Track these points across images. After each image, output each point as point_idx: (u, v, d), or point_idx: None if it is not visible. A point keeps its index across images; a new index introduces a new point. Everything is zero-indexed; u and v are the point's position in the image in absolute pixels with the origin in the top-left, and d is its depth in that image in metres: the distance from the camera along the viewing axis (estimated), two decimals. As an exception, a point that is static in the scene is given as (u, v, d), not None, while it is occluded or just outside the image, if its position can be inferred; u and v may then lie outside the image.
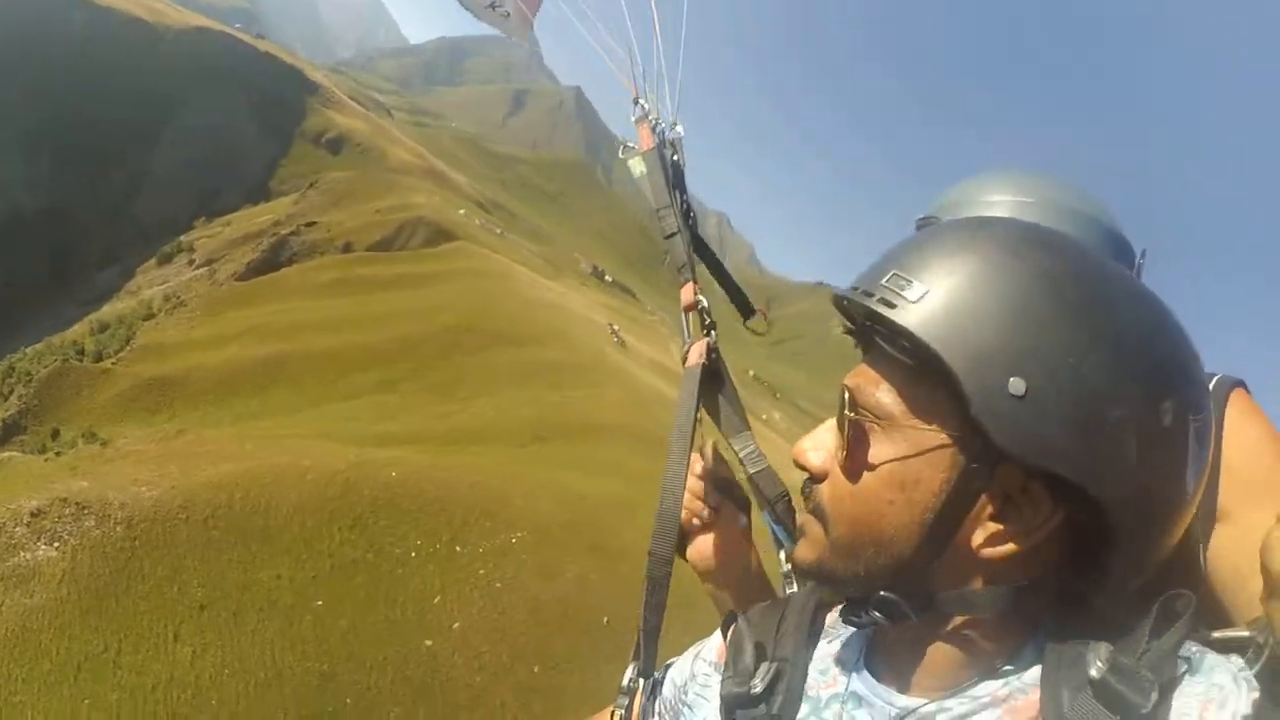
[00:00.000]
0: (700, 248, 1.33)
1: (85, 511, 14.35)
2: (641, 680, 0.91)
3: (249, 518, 16.74)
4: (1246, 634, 0.66)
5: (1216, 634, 0.67)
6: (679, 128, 1.34)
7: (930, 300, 0.63)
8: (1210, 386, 0.96)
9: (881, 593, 0.68)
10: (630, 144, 1.33)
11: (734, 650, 0.82)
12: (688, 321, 1.26)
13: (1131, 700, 0.57)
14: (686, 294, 1.25)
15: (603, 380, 18.77)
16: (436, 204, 61.53)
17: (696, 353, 1.13)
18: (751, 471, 1.17)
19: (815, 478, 0.72)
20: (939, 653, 0.69)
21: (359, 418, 27.03)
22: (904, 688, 0.71)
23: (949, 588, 0.67)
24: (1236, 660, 0.62)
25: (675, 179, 1.30)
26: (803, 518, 0.74)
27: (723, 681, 0.81)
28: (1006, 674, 0.67)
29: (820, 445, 0.71)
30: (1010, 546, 0.64)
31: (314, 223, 56.39)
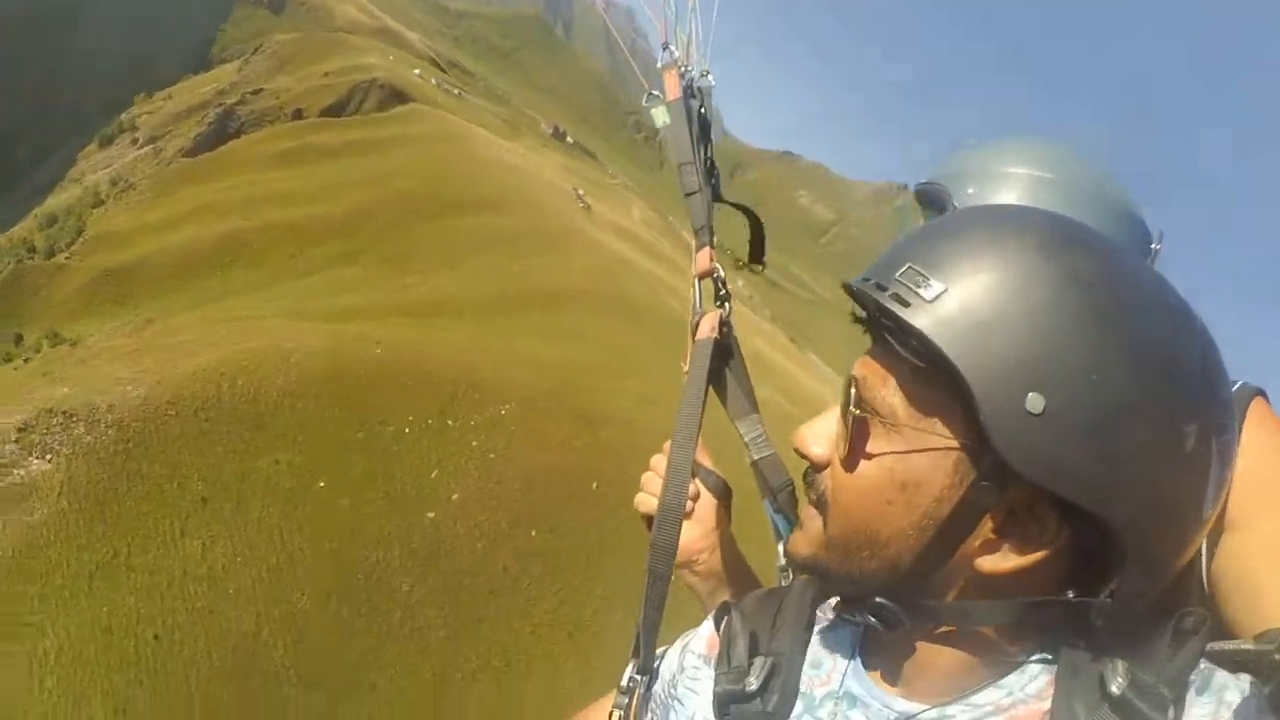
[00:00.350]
0: (719, 201, 1.27)
1: (73, 419, 14.29)
2: (640, 677, 0.88)
3: (239, 406, 16.78)
4: (1253, 648, 0.65)
5: (1227, 646, 0.66)
6: (710, 77, 1.27)
7: (948, 301, 0.58)
8: (1235, 387, 0.94)
9: (876, 599, 0.65)
10: (655, 91, 1.25)
11: (727, 643, 0.80)
12: (699, 290, 1.17)
13: (1151, 718, 0.56)
14: (702, 260, 1.17)
15: (567, 247, 18.57)
16: (389, 65, 57.64)
17: (709, 325, 1.06)
18: (756, 458, 1.13)
19: (816, 467, 0.70)
20: (939, 657, 0.67)
21: (322, 293, 26.51)
22: (901, 690, 0.69)
23: (946, 598, 0.64)
24: (1245, 678, 0.61)
25: (700, 133, 1.22)
26: (804, 510, 0.72)
27: (716, 677, 0.78)
28: (1010, 684, 0.64)
29: (823, 434, 0.68)
30: (1012, 562, 0.60)
31: (260, 90, 53.21)
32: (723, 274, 1.15)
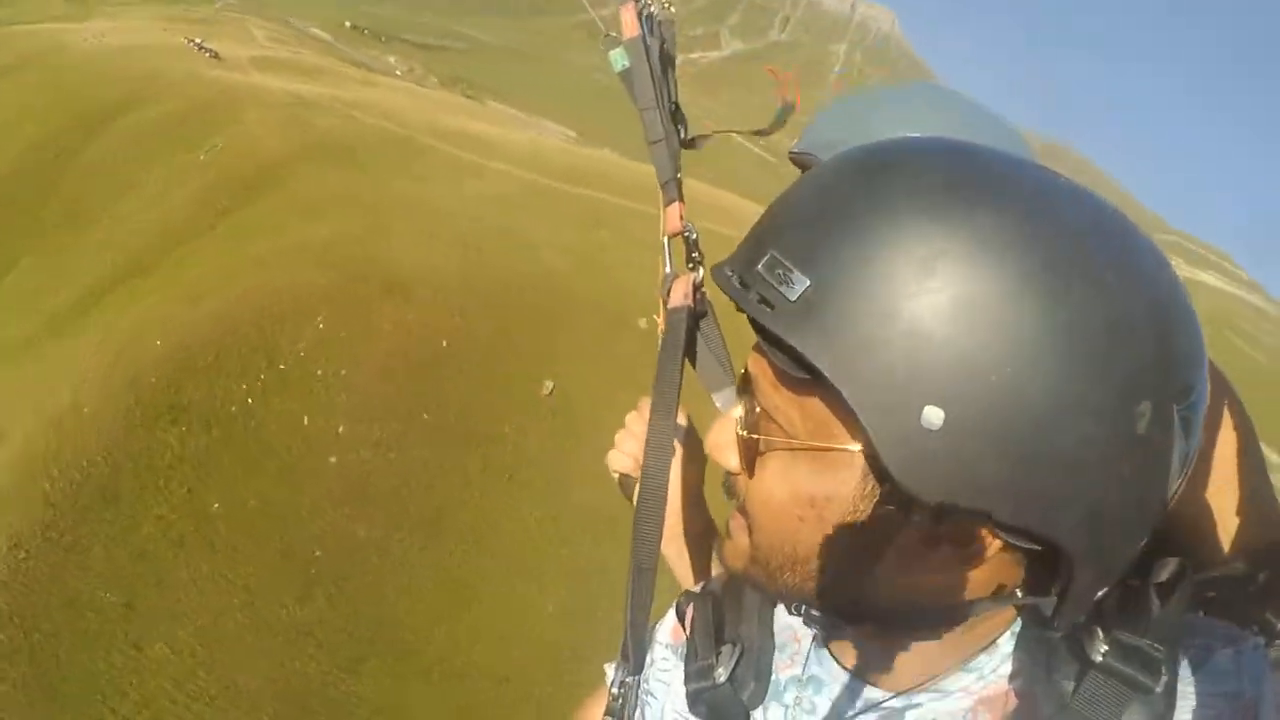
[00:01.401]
0: (692, 145, 1.15)
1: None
2: (632, 680, 0.78)
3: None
4: (1242, 569, 0.61)
5: (1210, 574, 0.62)
6: (671, 8, 1.15)
7: (815, 300, 0.49)
8: None
9: (812, 611, 0.61)
10: (612, 33, 1.12)
11: (694, 631, 0.77)
12: (669, 250, 1.08)
13: (1141, 680, 0.51)
14: (671, 217, 1.07)
15: (236, 114, 15.58)
16: None
17: (680, 291, 0.92)
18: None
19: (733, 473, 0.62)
20: (902, 645, 0.62)
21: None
22: (867, 676, 0.65)
23: (884, 606, 0.57)
24: (1239, 633, 0.56)
25: (663, 72, 1.11)
26: (732, 519, 0.64)
27: (686, 670, 0.76)
28: (981, 665, 0.60)
29: (729, 442, 0.61)
30: (942, 576, 0.54)
31: None
32: (695, 234, 1.06)
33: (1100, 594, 0.54)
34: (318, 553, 7.09)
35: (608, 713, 0.76)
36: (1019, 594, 0.55)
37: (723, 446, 0.61)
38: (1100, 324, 0.46)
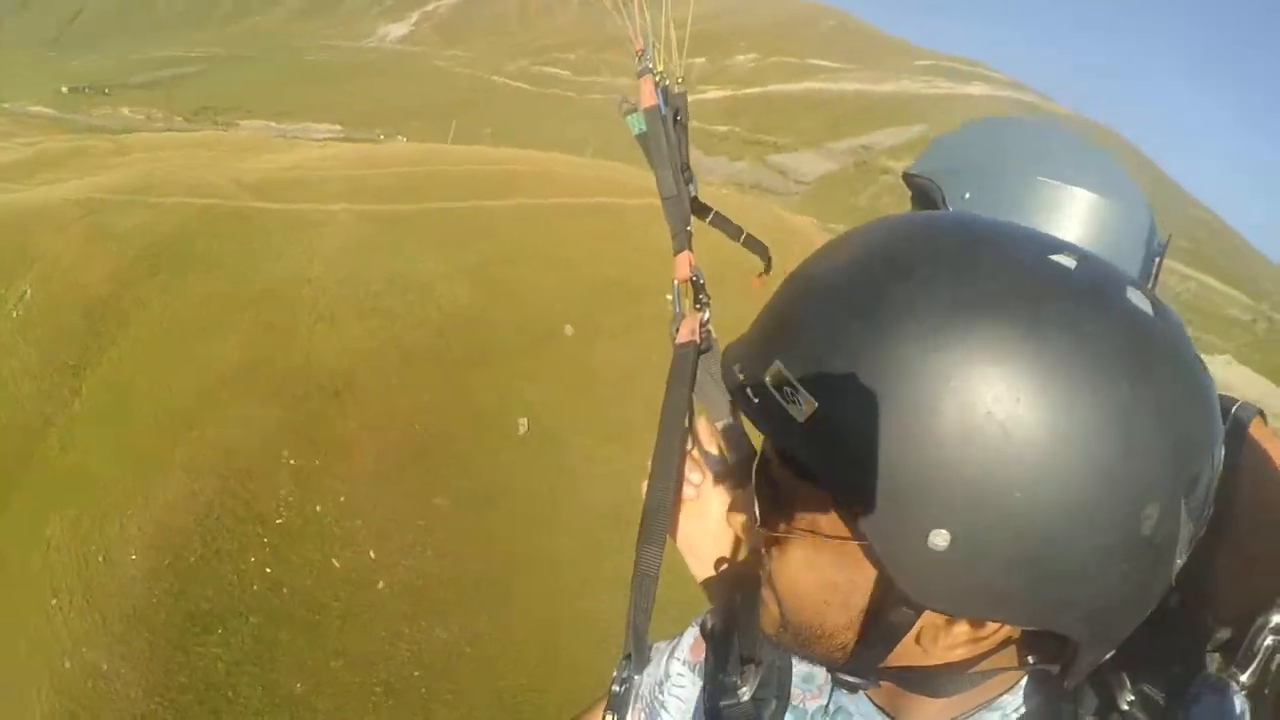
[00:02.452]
0: (700, 209, 1.26)
1: None
2: (637, 678, 0.80)
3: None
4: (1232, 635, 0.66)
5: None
6: (683, 84, 1.24)
7: (822, 424, 0.50)
8: (1229, 420, 0.90)
9: (841, 674, 0.64)
10: (629, 99, 1.23)
11: (715, 651, 0.79)
12: (678, 294, 1.16)
13: None
14: (681, 265, 1.17)
15: (27, 250, 13.34)
16: None
17: (688, 329, 1.03)
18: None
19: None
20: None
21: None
22: (895, 714, 0.68)
23: (909, 664, 0.60)
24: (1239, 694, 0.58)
25: (677, 139, 1.21)
26: (764, 588, 0.66)
27: (707, 688, 0.77)
28: (1004, 705, 0.62)
29: (747, 519, 0.64)
30: (958, 653, 0.57)
31: None
32: (703, 278, 1.16)
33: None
34: (416, 673, 6.82)
35: (609, 708, 0.77)
36: (1030, 660, 0.58)
37: (743, 524, 0.64)
38: (1112, 439, 0.46)
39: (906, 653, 0.58)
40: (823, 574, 0.58)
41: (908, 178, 1.16)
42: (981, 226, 0.55)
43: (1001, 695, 0.62)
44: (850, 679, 0.64)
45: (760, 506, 0.60)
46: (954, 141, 1.16)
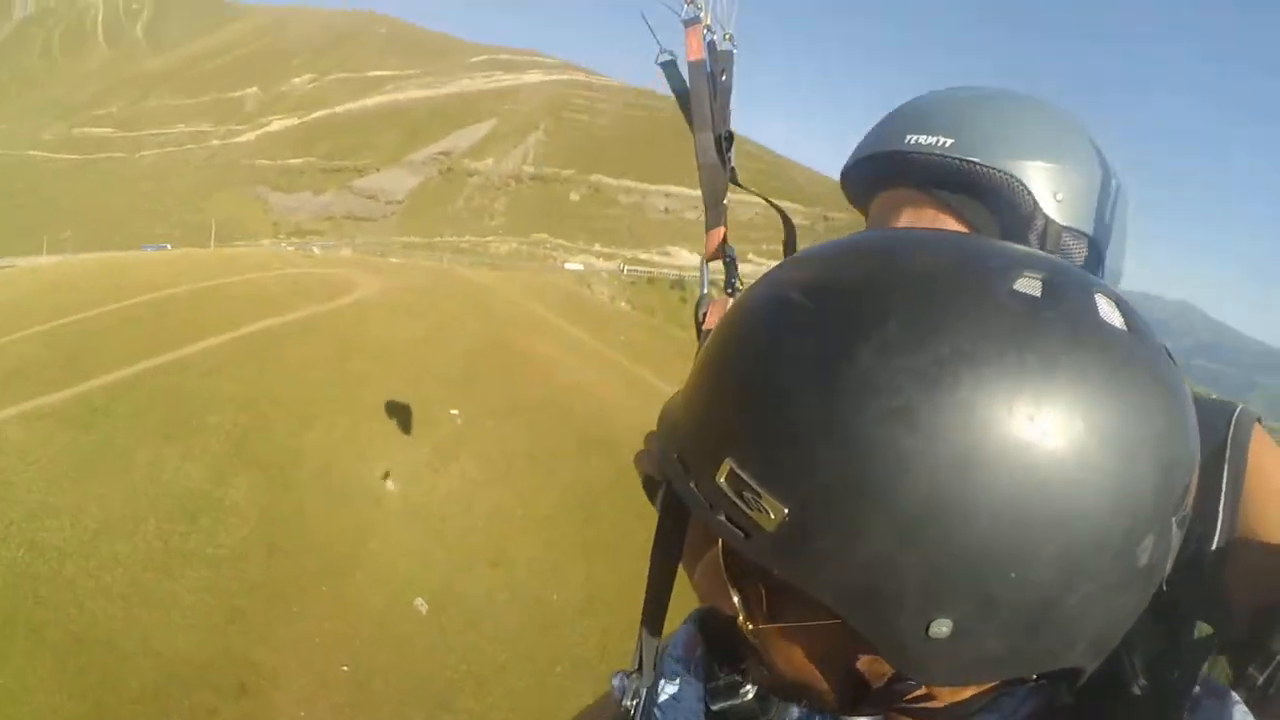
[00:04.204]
0: (735, 184, 1.13)
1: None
2: (645, 690, 0.78)
3: None
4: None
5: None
6: (732, 41, 1.12)
7: (795, 530, 0.44)
8: (1231, 426, 0.88)
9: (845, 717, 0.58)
10: (670, 50, 1.10)
11: (713, 648, 0.74)
12: (707, 273, 1.04)
13: None
14: (712, 241, 1.05)
15: None
16: None
17: (716, 315, 0.95)
18: None
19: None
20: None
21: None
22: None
23: (911, 703, 0.57)
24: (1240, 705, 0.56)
25: (720, 101, 1.09)
26: (749, 655, 0.63)
27: (706, 688, 0.73)
28: (1002, 706, 0.57)
29: (718, 594, 0.60)
30: (962, 693, 0.55)
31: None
32: (735, 256, 1.07)
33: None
34: None
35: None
36: (1035, 678, 0.56)
37: (716, 595, 0.60)
38: (1104, 489, 0.44)
39: (912, 699, 0.57)
40: (817, 649, 0.55)
41: (945, 165, 0.88)
42: (929, 258, 0.48)
43: (999, 697, 0.58)
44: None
45: (739, 601, 0.56)
46: (992, 118, 0.90)
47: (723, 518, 0.47)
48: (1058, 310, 0.46)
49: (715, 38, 1.11)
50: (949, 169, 0.89)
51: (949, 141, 0.89)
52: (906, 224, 0.92)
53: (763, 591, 0.55)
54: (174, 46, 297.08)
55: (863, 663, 0.55)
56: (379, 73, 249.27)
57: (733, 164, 1.10)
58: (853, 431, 0.43)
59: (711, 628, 0.76)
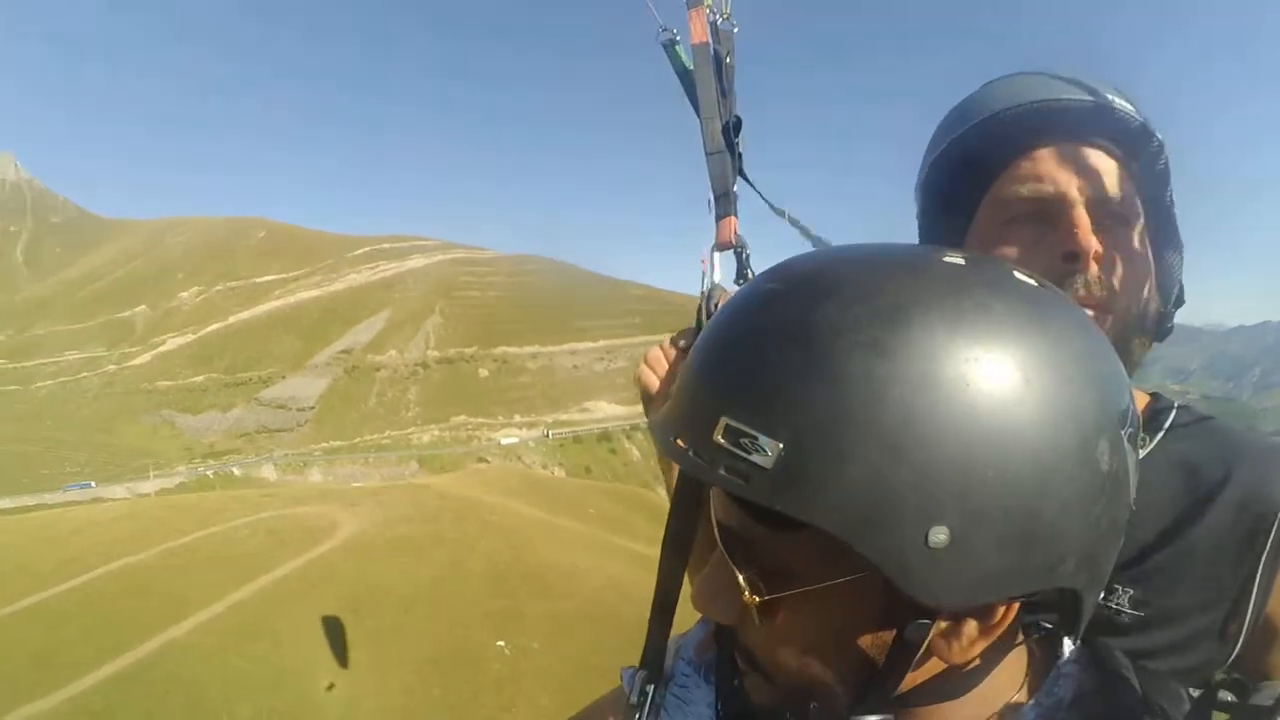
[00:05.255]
0: (743, 177, 1.09)
1: None
2: (651, 689, 0.78)
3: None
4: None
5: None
6: (733, 21, 1.08)
7: (793, 462, 0.48)
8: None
9: (852, 716, 0.57)
10: (671, 29, 1.07)
11: (727, 652, 0.71)
12: (713, 264, 1.01)
13: None
14: (724, 230, 1.01)
15: None
16: None
17: None
18: None
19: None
20: (950, 705, 0.60)
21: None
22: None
23: (920, 684, 0.58)
24: None
25: (725, 85, 1.06)
26: (740, 661, 0.63)
27: (719, 693, 0.73)
28: (1023, 716, 0.60)
29: (720, 597, 0.58)
30: (974, 649, 0.55)
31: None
32: (747, 251, 1.02)
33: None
34: None
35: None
36: (1035, 632, 0.61)
37: (715, 605, 0.59)
38: (1052, 395, 0.49)
39: (921, 671, 0.57)
40: (820, 626, 0.55)
41: (1111, 116, 0.85)
42: (868, 250, 0.58)
43: (1020, 704, 0.60)
44: (864, 718, 0.58)
45: (744, 577, 0.55)
46: (1111, 86, 0.88)
47: (722, 471, 0.50)
48: (981, 273, 0.55)
49: (717, 18, 1.07)
50: (1141, 138, 0.87)
51: (1089, 97, 0.87)
52: (1112, 185, 0.86)
53: (762, 575, 0.56)
54: (55, 270, 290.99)
55: (865, 640, 0.55)
56: (266, 278, 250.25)
57: (741, 150, 1.06)
58: (832, 366, 0.48)
59: (725, 630, 0.72)
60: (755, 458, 0.49)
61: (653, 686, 0.78)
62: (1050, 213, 0.87)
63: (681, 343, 1.00)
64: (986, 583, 0.49)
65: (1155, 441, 0.92)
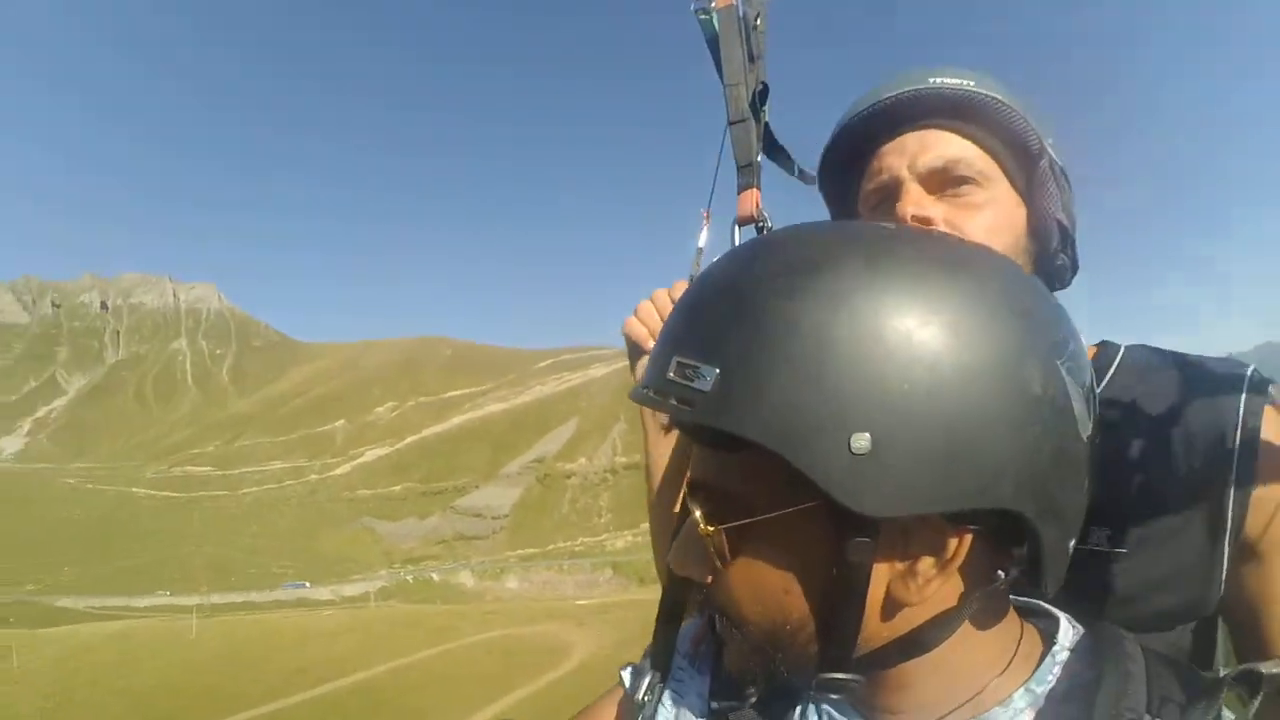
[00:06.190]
0: (772, 144, 1.10)
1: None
2: (659, 686, 0.78)
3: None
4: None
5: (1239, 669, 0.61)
6: None
7: (726, 384, 0.53)
8: (1245, 385, 0.88)
9: (821, 676, 0.59)
10: None
11: (720, 646, 0.74)
12: (736, 237, 1.03)
13: None
14: (745, 203, 1.02)
15: None
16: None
17: None
18: None
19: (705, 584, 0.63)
20: (911, 684, 0.61)
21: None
22: (888, 709, 0.63)
23: (887, 639, 0.59)
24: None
25: (750, 52, 1.06)
26: (718, 626, 0.65)
27: (713, 685, 0.75)
28: (995, 716, 0.59)
29: (690, 551, 0.62)
30: (932, 583, 0.56)
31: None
32: (769, 224, 1.02)
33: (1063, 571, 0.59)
34: None
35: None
36: (1001, 575, 0.58)
37: (688, 560, 0.63)
38: (967, 320, 0.53)
39: (883, 614, 0.58)
40: (776, 561, 0.58)
41: (973, 100, 0.93)
42: (818, 223, 0.65)
43: (992, 708, 0.59)
44: (834, 677, 0.59)
45: (701, 512, 0.59)
46: (990, 74, 0.96)
47: (673, 400, 0.56)
48: (905, 232, 0.61)
49: None
50: (974, 104, 0.91)
51: (970, 82, 0.92)
52: (941, 154, 0.91)
53: (716, 507, 0.60)
54: (258, 388, 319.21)
55: (818, 577, 0.57)
56: (454, 392, 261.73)
57: (767, 119, 1.05)
58: (752, 307, 0.54)
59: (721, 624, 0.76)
60: (697, 384, 0.54)
61: (660, 685, 0.79)
62: (893, 196, 0.92)
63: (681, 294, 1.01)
64: (913, 493, 0.51)
65: (1105, 382, 0.93)
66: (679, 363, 0.56)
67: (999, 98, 0.92)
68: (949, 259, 0.56)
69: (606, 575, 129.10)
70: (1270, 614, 0.84)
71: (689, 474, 0.63)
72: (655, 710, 0.76)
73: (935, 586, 0.56)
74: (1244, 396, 0.86)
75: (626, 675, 0.81)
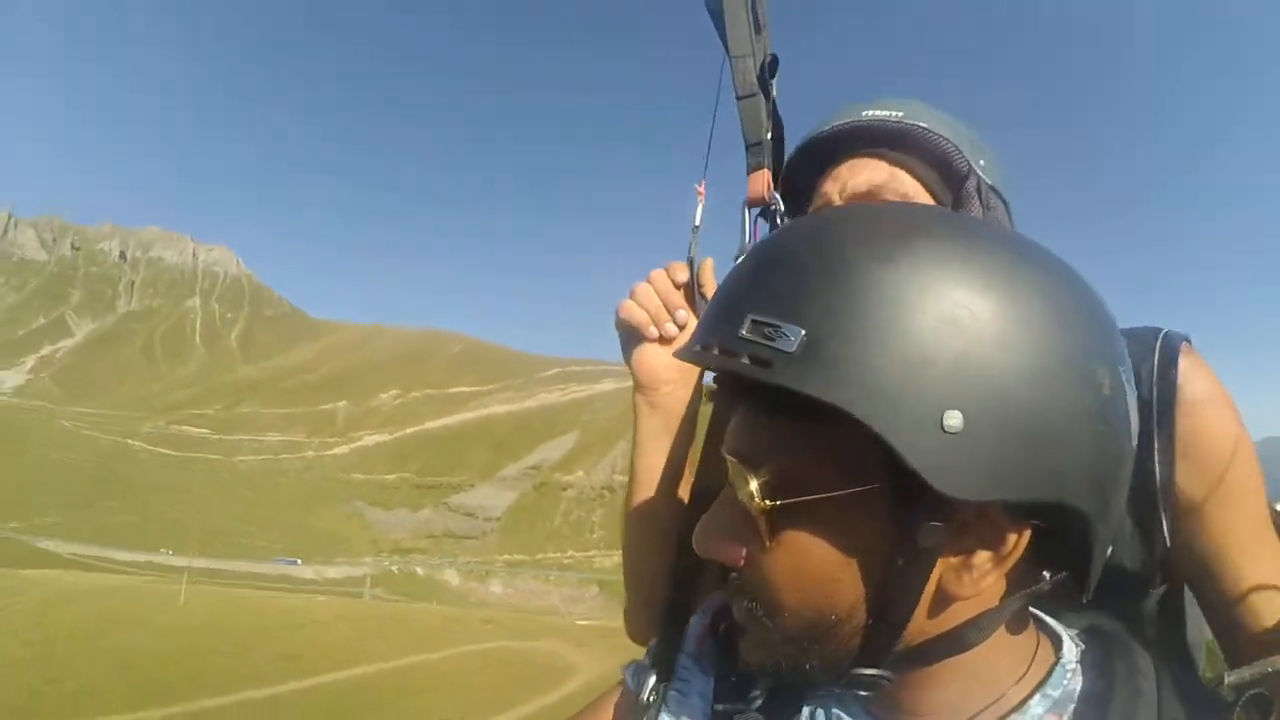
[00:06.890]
0: (778, 124, 1.06)
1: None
2: (663, 688, 0.77)
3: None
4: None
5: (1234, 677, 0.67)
6: None
7: (813, 346, 0.51)
8: (1158, 343, 0.92)
9: (854, 671, 0.58)
10: None
11: (724, 646, 0.74)
12: (746, 221, 1.00)
13: None
14: (756, 184, 0.99)
15: None
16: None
17: None
18: None
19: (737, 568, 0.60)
20: (931, 687, 0.60)
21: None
22: (907, 710, 0.62)
23: (929, 635, 0.57)
24: None
25: (756, 23, 1.02)
26: (739, 614, 0.62)
27: (717, 687, 0.73)
28: (1030, 708, 0.59)
29: (725, 530, 0.59)
30: (987, 578, 0.56)
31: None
32: (781, 207, 1.00)
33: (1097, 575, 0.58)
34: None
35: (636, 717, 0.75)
36: (1046, 576, 0.58)
37: (718, 540, 0.59)
38: (1049, 316, 0.53)
39: (932, 608, 0.56)
40: (831, 541, 0.54)
41: (900, 130, 0.98)
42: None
43: (1009, 715, 0.58)
44: (866, 673, 0.57)
45: (757, 485, 0.55)
46: (922, 104, 1.02)
47: (746, 360, 0.52)
48: (988, 223, 0.67)
49: None
50: (902, 134, 0.98)
51: (899, 114, 0.99)
52: (869, 179, 0.98)
53: (771, 481, 0.56)
54: (265, 357, 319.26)
55: (873, 566, 0.55)
56: (459, 389, 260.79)
57: (776, 95, 1.04)
58: (847, 267, 0.52)
59: (722, 617, 0.76)
60: (779, 343, 0.51)
61: (664, 685, 0.78)
62: None
63: (681, 277, 1.01)
64: (997, 476, 0.50)
65: None
66: (754, 320, 0.53)
67: (925, 126, 0.97)
68: (1042, 256, 0.56)
69: (593, 592, 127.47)
70: (1221, 572, 0.86)
71: (728, 445, 0.59)
72: (658, 712, 0.74)
73: (990, 581, 0.55)
74: (1158, 349, 0.89)
75: (629, 674, 0.80)
